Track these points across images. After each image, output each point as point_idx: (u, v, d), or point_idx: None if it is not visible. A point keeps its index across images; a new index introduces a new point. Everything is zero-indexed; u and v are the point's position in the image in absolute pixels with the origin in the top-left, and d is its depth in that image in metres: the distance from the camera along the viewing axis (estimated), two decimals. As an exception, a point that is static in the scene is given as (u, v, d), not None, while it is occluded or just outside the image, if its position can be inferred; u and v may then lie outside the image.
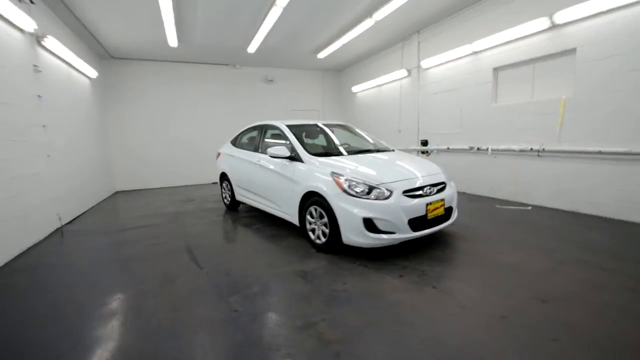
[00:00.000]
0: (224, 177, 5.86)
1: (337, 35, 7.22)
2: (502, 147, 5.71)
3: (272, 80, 9.91)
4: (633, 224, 4.07)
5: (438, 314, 2.27)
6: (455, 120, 6.64)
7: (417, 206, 3.17)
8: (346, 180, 3.23)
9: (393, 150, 4.47)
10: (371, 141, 4.76)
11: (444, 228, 3.58)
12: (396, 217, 3.05)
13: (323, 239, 3.45)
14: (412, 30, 7.32)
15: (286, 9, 5.51)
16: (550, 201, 5.06)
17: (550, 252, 3.29)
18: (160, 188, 8.90)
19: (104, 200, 7.38)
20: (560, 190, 4.92)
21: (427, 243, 3.62)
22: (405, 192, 3.18)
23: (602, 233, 3.83)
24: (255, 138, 5.11)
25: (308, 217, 3.64)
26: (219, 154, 6.15)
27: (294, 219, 3.91)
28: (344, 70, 10.77)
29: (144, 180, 8.86)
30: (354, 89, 10.04)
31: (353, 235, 3.12)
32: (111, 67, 8.28)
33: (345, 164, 3.55)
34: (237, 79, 9.63)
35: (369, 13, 6.09)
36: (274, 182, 4.24)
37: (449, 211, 3.54)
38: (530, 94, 5.30)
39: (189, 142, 9.19)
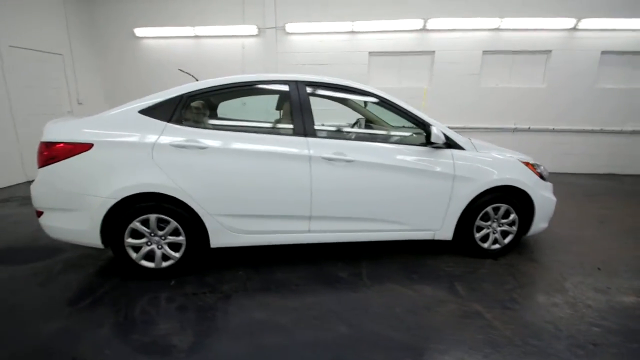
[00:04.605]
0: (132, 206, 2.28)
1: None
2: (378, 124, 6.67)
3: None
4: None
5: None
6: (329, 96, 6.64)
7: None
8: (534, 164, 2.89)
9: None
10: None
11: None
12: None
13: (505, 241, 2.85)
14: (266, -20, 6.03)
15: None
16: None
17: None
18: None
19: None
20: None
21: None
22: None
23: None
24: (287, 110, 2.56)
25: (480, 222, 2.76)
26: (62, 147, 2.23)
27: (443, 232, 2.75)
28: (104, -6, 6.53)
29: None
30: (140, 32, 6.54)
31: (543, 222, 2.92)
32: None
33: (488, 144, 3.08)
34: None
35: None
36: (403, 185, 2.62)
37: None
38: (398, 81, 6.56)
39: None
